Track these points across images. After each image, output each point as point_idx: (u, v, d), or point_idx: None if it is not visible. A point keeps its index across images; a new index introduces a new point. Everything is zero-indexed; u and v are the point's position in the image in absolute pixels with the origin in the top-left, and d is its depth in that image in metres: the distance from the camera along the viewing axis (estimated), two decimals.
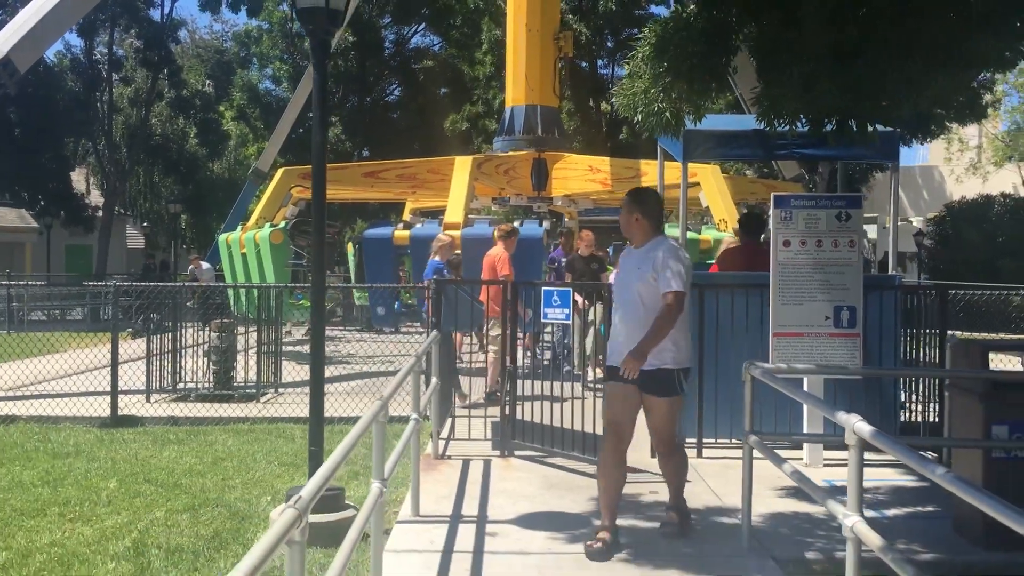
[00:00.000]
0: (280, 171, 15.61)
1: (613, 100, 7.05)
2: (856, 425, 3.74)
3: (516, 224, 12.82)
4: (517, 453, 8.07)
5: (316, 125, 6.01)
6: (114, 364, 10.06)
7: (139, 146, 34.74)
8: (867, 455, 7.12)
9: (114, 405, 9.89)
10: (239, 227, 16.37)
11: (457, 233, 12.61)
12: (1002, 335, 12.02)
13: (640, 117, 6.61)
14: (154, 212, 43.65)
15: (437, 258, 10.57)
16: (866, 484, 7.01)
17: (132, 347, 13.92)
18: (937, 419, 8.26)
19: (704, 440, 8.17)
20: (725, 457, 7.85)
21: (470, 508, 6.43)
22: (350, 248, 20.27)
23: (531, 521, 6.10)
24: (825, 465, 7.77)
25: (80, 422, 9.64)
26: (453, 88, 34.66)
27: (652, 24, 6.56)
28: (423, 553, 5.49)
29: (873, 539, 3.56)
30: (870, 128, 5.44)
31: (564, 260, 12.27)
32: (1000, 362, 7.62)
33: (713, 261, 11.00)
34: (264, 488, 7.01)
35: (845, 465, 7.14)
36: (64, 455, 8.01)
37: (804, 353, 7.76)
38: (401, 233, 13.15)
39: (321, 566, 5.28)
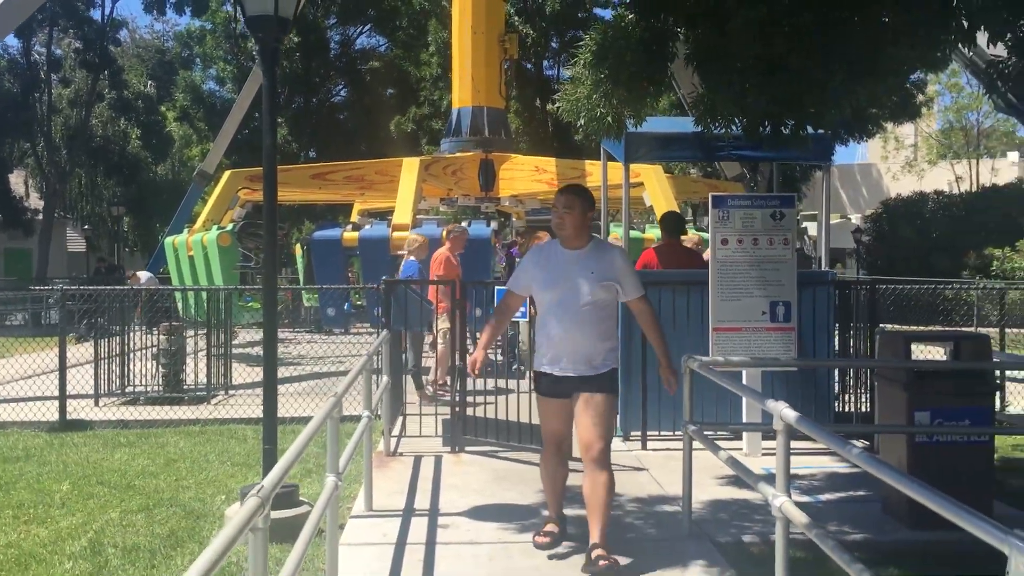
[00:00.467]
0: (227, 173, 15.61)
1: (557, 104, 7.26)
2: (783, 412, 4.00)
3: (464, 224, 12.98)
4: (468, 449, 8.26)
5: (266, 129, 6.15)
6: (62, 368, 10.04)
7: (80, 148, 34.17)
8: (804, 444, 7.49)
9: (62, 409, 9.87)
10: (185, 230, 16.31)
11: (405, 234, 12.75)
12: (932, 327, 12.53)
13: (583, 121, 6.85)
14: (95, 215, 42.94)
15: (412, 258, 10.70)
16: (802, 471, 7.42)
17: (80, 351, 13.82)
18: (868, 408, 8.65)
19: (648, 433, 8.44)
20: (668, 449, 8.14)
21: (422, 502, 6.61)
22: (298, 250, 20.28)
23: (481, 513, 6.30)
24: (764, 454, 8.09)
25: (28, 427, 9.61)
26: (399, 89, 34.71)
27: (592, 31, 6.80)
28: (377, 546, 5.66)
29: (799, 517, 3.82)
30: (802, 132, 5.72)
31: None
32: (927, 352, 8.00)
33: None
34: (218, 488, 7.11)
35: (805, 453, 7.53)
36: (14, 459, 8.01)
37: (742, 347, 8.06)
38: (350, 235, 13.26)
39: (277, 560, 5.40)
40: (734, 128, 6.64)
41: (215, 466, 7.82)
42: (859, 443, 8.34)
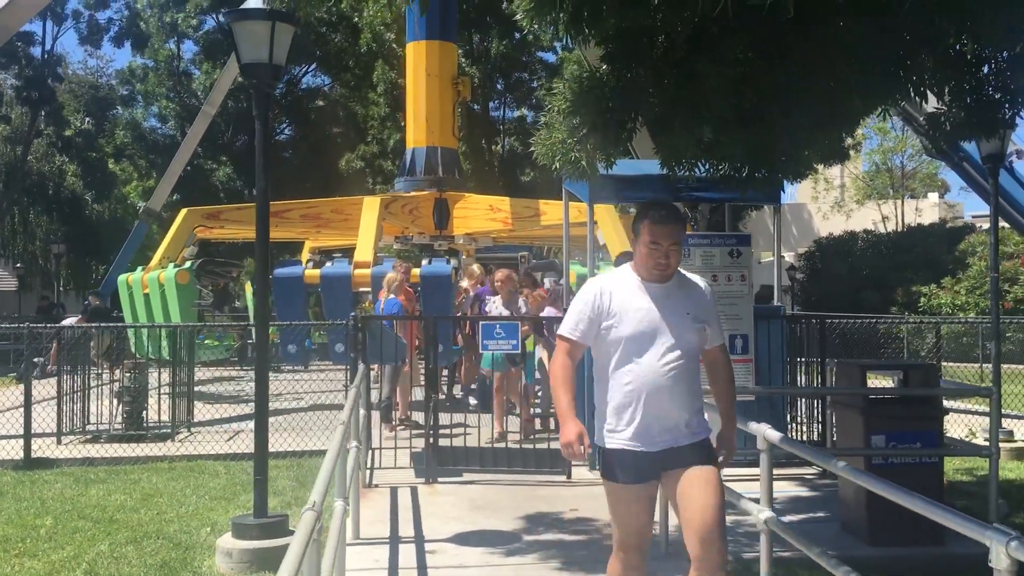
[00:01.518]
0: (183, 212, 15.66)
1: (532, 149, 7.65)
2: (767, 433, 4.38)
3: (425, 262, 13.28)
4: (440, 480, 8.51)
5: (259, 170, 6.41)
6: (27, 406, 10.01)
7: (16, 185, 33.60)
8: (757, 471, 7.89)
9: (27, 447, 9.83)
10: (139, 268, 16.28)
11: (367, 271, 13.00)
12: (874, 359, 13.18)
13: (558, 164, 7.24)
14: (27, 253, 42.06)
15: (393, 296, 10.92)
16: (750, 495, 7.79)
17: (38, 389, 13.70)
18: (819, 437, 9.13)
19: None
20: None
21: (406, 530, 6.84)
22: (248, 287, 20.30)
23: (465, 539, 6.55)
24: (733, 480, 8.48)
25: None
26: (347, 128, 34.95)
27: (567, 80, 7.22)
28: (371, 571, 5.88)
29: (784, 531, 4.18)
30: (772, 176, 6.18)
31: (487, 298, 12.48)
32: (876, 380, 8.52)
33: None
34: (201, 520, 7.23)
35: (748, 480, 7.93)
36: None
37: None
38: (311, 272, 13.44)
39: None
40: (697, 171, 7.17)
41: (193, 500, 7.92)
42: (813, 470, 8.82)
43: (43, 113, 33.45)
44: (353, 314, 10.10)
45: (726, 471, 4.12)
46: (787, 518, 7.19)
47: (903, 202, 50.11)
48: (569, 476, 8.60)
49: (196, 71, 36.63)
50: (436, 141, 17.62)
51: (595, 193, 9.34)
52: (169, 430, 11.25)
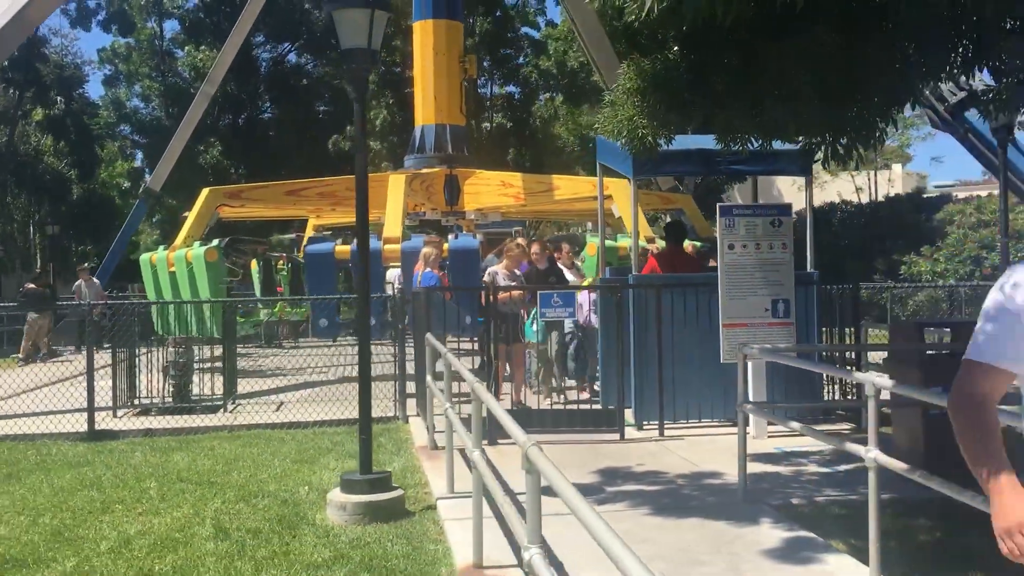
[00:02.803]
0: (205, 191, 15.89)
1: (596, 125, 8.09)
2: (875, 380, 4.90)
3: (451, 236, 13.70)
4: (500, 441, 8.97)
5: (359, 148, 6.83)
6: (90, 381, 10.33)
7: (3, 167, 33.34)
8: (779, 429, 8.46)
9: (91, 420, 10.16)
10: (159, 247, 16.51)
11: (396, 247, 13.39)
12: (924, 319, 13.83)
13: (624, 140, 7.71)
14: (6, 233, 41.67)
15: (430, 270, 11.31)
16: (798, 449, 8.37)
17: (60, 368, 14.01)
18: (854, 396, 9.71)
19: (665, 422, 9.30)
20: (682, 436, 9.05)
21: (492, 484, 7.30)
22: (254, 265, 20.53)
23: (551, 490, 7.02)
24: (769, 437, 9.07)
25: (57, 438, 9.86)
26: (335, 106, 35.03)
27: (636, 63, 7.68)
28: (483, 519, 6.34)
29: (897, 465, 4.72)
30: (840, 146, 6.66)
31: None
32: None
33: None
34: (295, 481, 7.65)
35: (785, 436, 8.50)
36: (78, 464, 8.37)
37: (748, 340, 8.99)
38: (342, 248, 13.80)
39: (358, 542, 5.96)
40: (750, 145, 7.69)
41: (275, 464, 8.33)
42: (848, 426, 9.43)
43: (28, 94, 33.17)
44: (400, 288, 10.50)
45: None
46: (840, 467, 7.81)
47: (876, 173, 51.12)
48: (623, 436, 9.10)
49: (179, 51, 36.45)
50: (445, 119, 17.99)
51: (638, 167, 9.82)
52: (213, 403, 11.61)
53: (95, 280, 21.39)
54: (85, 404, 10.23)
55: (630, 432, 9.25)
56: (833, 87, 5.87)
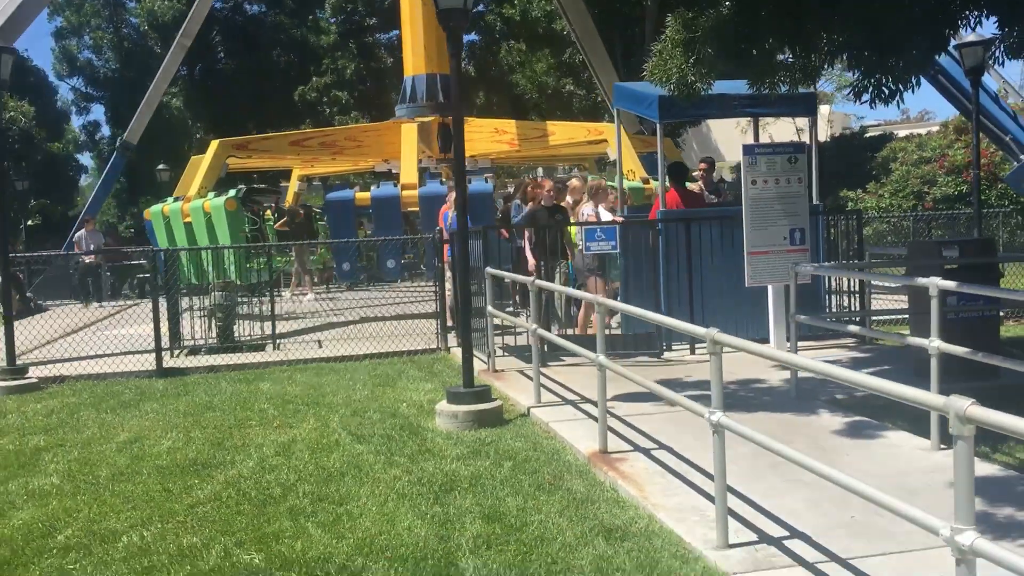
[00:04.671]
0: (215, 143, 16.33)
1: (644, 73, 8.97)
2: (938, 283, 5.98)
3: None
4: (550, 364, 9.95)
5: (455, 104, 7.61)
6: (156, 322, 11.01)
7: None
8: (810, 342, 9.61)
9: (159, 359, 10.85)
10: (169, 198, 16.96)
11: (415, 192, 14.16)
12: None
13: (673, 85, 8.63)
14: None
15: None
16: (833, 357, 9.52)
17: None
18: (859, 306, 10.92)
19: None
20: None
21: (568, 396, 8.29)
22: (268, 214, 20.86)
23: (623, 398, 8.03)
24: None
25: (129, 376, 10.53)
26: (300, 57, 35.03)
27: (677, 16, 8.58)
28: (574, 421, 7.34)
29: (957, 350, 5.82)
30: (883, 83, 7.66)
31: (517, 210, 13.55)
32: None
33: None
34: (390, 400, 8.50)
35: (803, 349, 9.53)
36: (178, 394, 9.10)
37: (770, 266, 10.05)
38: (362, 194, 14.50)
39: (483, 441, 6.89)
40: (782, 88, 8.71)
41: (359, 388, 9.15)
42: (851, 341, 10.61)
43: None
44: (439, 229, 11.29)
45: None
46: (868, 370, 8.98)
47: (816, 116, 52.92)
48: (660, 356, 10.16)
49: (132, 1, 35.98)
50: (435, 68, 18.59)
51: (664, 112, 10.76)
52: (256, 343, 12.36)
53: (99, 232, 21.67)
54: (141, 347, 11.05)
55: (669, 355, 10.32)
56: (884, 35, 6.88)
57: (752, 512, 5.03)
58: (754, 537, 4.70)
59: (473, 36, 34.92)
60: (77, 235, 21.56)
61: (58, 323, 13.51)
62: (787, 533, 4.74)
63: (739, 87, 9.92)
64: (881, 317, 11.01)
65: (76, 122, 37.02)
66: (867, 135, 40.33)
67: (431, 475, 5.95)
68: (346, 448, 6.71)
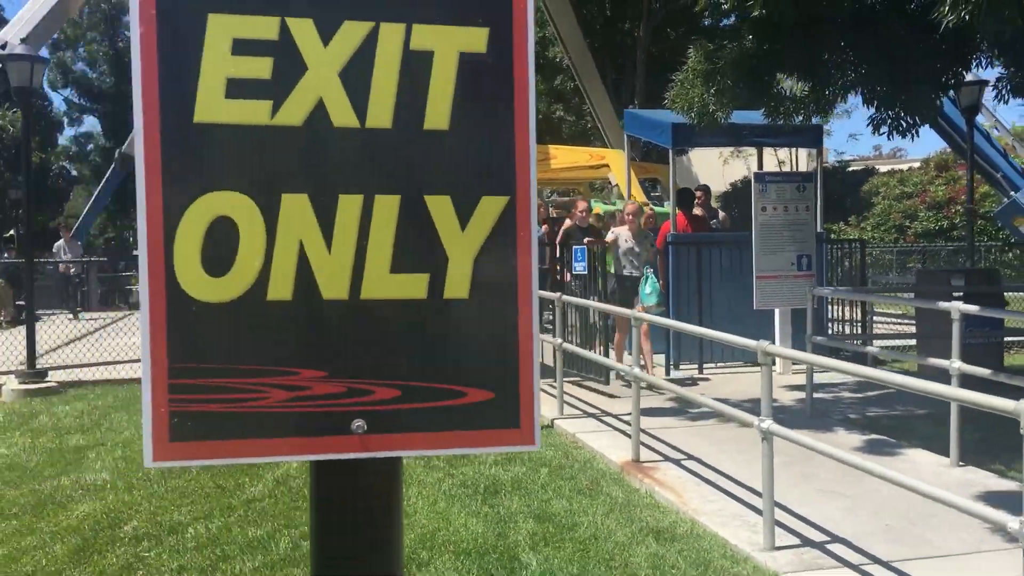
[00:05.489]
0: None
1: (666, 100, 9.30)
2: (960, 307, 6.30)
3: None
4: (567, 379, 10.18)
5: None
6: None
7: None
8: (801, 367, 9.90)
9: None
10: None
11: None
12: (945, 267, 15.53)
13: (694, 113, 8.97)
14: None
15: None
16: (823, 382, 9.82)
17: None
18: (861, 330, 11.27)
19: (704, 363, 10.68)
20: (717, 374, 10.43)
21: (588, 408, 8.55)
22: None
23: (643, 413, 8.29)
24: (792, 373, 10.54)
25: None
26: None
27: (699, 48, 8.94)
28: (599, 432, 7.59)
29: (978, 371, 6.14)
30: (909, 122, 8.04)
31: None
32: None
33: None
34: None
35: (801, 373, 9.87)
36: None
37: (778, 291, 10.39)
38: None
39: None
40: (796, 119, 9.09)
41: None
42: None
43: None
44: None
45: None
46: (876, 392, 9.30)
47: (798, 149, 53.81)
48: (668, 373, 10.42)
49: (126, 16, 36.09)
50: None
51: (678, 139, 11.11)
52: None
53: (78, 243, 21.68)
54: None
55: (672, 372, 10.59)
56: (901, 72, 7.25)
57: (790, 519, 5.28)
58: (797, 541, 4.96)
59: None
60: (56, 245, 21.59)
61: (58, 331, 13.58)
62: (828, 538, 4.99)
63: (749, 117, 10.33)
64: (885, 342, 11.37)
65: (67, 132, 37.01)
66: (849, 169, 41.13)
67: (473, 479, 6.16)
68: None
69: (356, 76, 1.02)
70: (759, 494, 5.64)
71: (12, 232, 32.58)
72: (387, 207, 1.05)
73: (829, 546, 4.88)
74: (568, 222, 11.78)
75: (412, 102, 1.04)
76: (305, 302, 1.03)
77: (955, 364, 6.32)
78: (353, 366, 1.05)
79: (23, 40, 11.55)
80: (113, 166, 24.49)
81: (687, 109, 9.03)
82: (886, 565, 4.58)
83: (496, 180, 1.09)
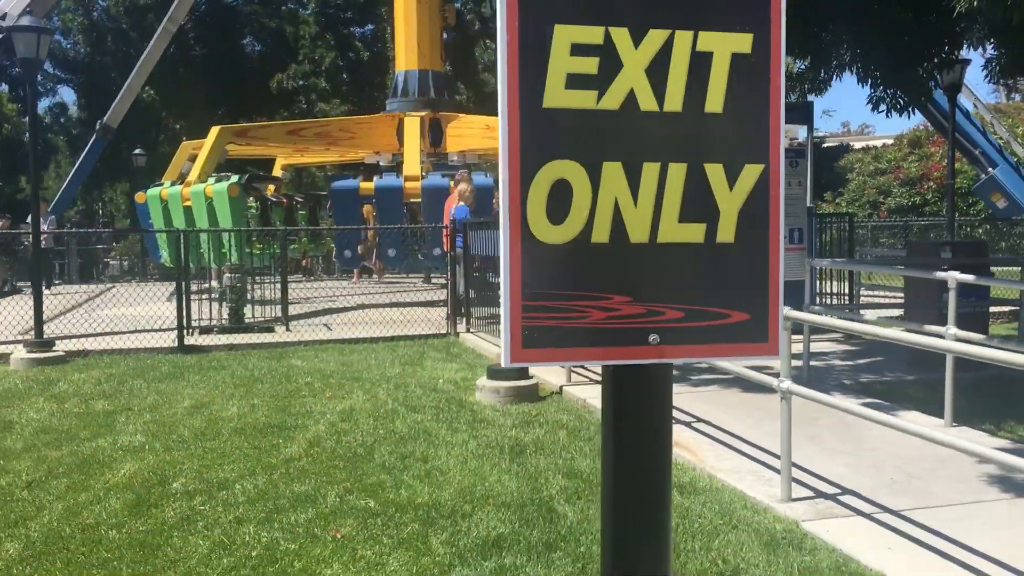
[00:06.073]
0: (215, 129, 16.50)
1: None
2: (957, 276, 6.66)
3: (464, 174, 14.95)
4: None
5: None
6: (179, 303, 11.33)
7: None
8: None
9: (181, 337, 11.18)
10: (167, 183, 17.17)
11: (418, 183, 14.61)
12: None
13: None
14: None
15: (462, 203, 12.58)
16: (815, 351, 10.20)
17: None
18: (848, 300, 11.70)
19: None
20: None
21: (593, 376, 8.86)
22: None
23: None
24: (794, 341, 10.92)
25: (154, 352, 10.83)
26: (266, 45, 35.02)
27: None
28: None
29: (975, 336, 6.50)
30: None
31: None
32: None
33: None
34: (423, 376, 8.98)
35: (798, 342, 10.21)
36: (211, 368, 9.44)
37: None
38: (366, 184, 14.89)
39: (530, 414, 7.45)
40: (791, 97, 9.43)
41: (387, 366, 9.60)
42: (838, 336, 11.36)
43: None
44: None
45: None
46: (863, 361, 9.70)
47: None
48: None
49: None
50: (427, 65, 19.04)
51: None
52: (264, 324, 12.74)
53: (51, 216, 21.66)
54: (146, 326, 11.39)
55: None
56: (901, 55, 7.59)
57: (802, 474, 5.63)
58: (811, 493, 5.31)
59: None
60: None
61: (49, 303, 13.65)
62: (839, 490, 5.35)
63: None
64: (875, 312, 11.79)
65: (42, 104, 36.58)
66: (824, 145, 41.71)
67: (496, 440, 6.46)
68: (405, 416, 7.18)
69: (657, 71, 1.36)
70: (771, 453, 6.01)
71: None
72: (677, 172, 1.39)
73: (841, 497, 5.23)
74: None
75: (697, 91, 1.38)
76: (618, 244, 1.38)
77: (951, 331, 6.68)
78: (651, 293, 1.40)
79: (29, 12, 11.57)
80: (95, 136, 24.38)
81: None
82: (895, 513, 4.94)
83: (756, 152, 1.41)
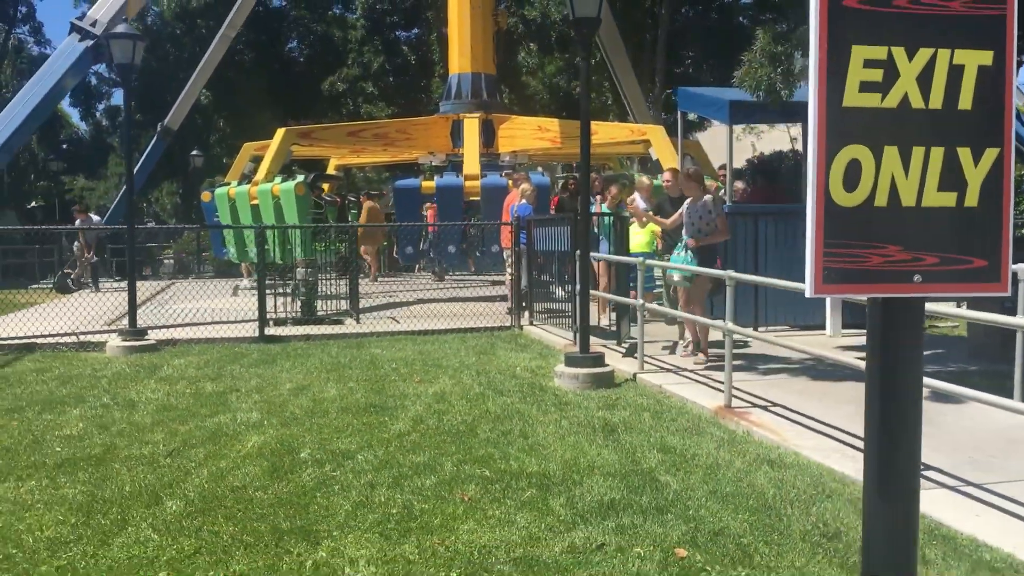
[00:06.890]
0: (281, 131, 17.08)
1: (735, 78, 9.96)
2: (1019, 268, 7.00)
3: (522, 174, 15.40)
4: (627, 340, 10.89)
5: (583, 98, 8.54)
6: (261, 294, 11.89)
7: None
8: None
9: (262, 327, 11.72)
10: (232, 183, 17.79)
11: (478, 182, 15.09)
12: None
13: (762, 92, 9.64)
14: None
15: (524, 201, 13.04)
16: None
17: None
18: None
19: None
20: (774, 331, 11.16)
21: (663, 364, 9.27)
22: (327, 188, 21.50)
23: (715, 368, 9.01)
24: (843, 336, 11.26)
25: (236, 342, 11.36)
26: (313, 49, 35.77)
27: (766, 30, 9.59)
28: (683, 384, 8.31)
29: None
30: None
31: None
32: None
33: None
34: (500, 364, 9.43)
35: (852, 336, 10.49)
36: (301, 357, 9.97)
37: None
38: (428, 183, 15.40)
39: (611, 398, 7.85)
40: None
41: (462, 354, 10.07)
42: None
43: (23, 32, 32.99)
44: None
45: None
46: (930, 352, 10.00)
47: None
48: None
49: None
50: (480, 68, 19.53)
51: (735, 116, 11.77)
52: (334, 317, 13.29)
53: (93, 217, 22.52)
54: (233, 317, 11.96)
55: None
56: None
57: None
58: None
59: None
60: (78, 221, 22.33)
61: (113, 298, 14.25)
62: (921, 467, 5.71)
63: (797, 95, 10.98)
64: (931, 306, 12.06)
65: (98, 107, 37.57)
66: None
67: (586, 420, 6.89)
68: (494, 399, 7.63)
69: (924, 79, 1.90)
70: (850, 433, 6.38)
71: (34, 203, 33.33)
72: (937, 154, 1.93)
73: (925, 473, 5.60)
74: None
75: (952, 94, 1.91)
76: (893, 207, 1.93)
77: (1021, 320, 7.00)
78: (916, 243, 1.95)
79: (124, 19, 12.16)
80: (155, 138, 25.17)
81: (755, 88, 9.70)
82: (978, 486, 5.31)
83: (993, 139, 1.95)
